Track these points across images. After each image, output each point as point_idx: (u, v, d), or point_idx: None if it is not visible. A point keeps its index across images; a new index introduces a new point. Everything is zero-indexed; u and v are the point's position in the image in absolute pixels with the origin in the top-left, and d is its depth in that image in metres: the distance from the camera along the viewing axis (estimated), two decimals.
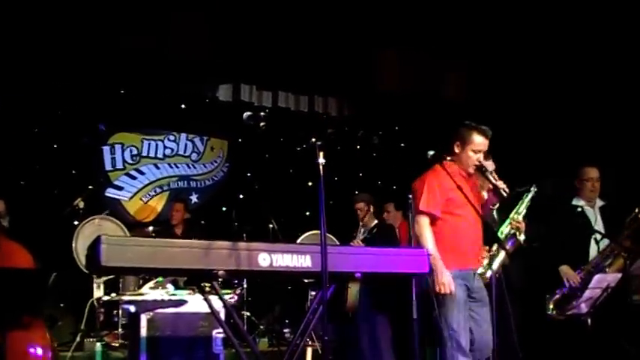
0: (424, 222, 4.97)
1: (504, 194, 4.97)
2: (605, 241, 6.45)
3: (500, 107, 8.60)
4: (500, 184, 4.95)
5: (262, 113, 4.06)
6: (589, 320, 6.31)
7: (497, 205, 5.41)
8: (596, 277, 6.22)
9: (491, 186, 5.06)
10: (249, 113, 4.06)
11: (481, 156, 5.05)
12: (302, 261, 4.00)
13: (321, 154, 3.74)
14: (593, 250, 6.40)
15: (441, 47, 9.18)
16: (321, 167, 3.73)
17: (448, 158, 5.10)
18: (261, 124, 4.03)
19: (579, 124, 8.33)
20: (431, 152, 5.05)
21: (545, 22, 8.35)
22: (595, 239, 6.34)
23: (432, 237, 4.94)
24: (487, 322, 4.95)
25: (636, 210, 6.74)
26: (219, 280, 3.92)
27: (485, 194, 5.36)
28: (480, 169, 5.01)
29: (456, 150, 5.09)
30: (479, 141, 5.03)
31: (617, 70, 8.32)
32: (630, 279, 6.45)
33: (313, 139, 3.77)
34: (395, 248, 4.93)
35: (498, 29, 8.64)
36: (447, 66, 9.40)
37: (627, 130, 8.23)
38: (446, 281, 4.79)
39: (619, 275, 6.37)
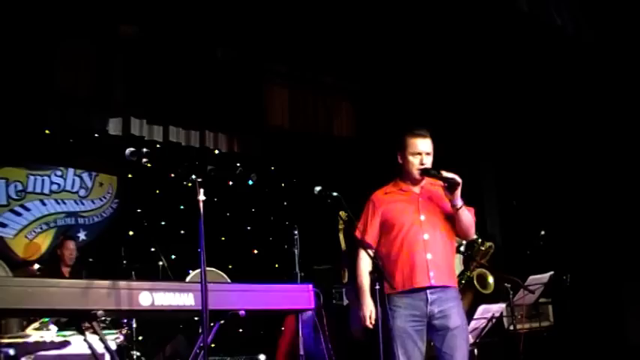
0: (360, 253, 4.90)
1: (458, 182, 4.68)
2: None
3: (388, 143, 8.74)
4: (449, 174, 4.73)
5: (145, 149, 3.95)
6: (475, 350, 6.48)
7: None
8: (481, 307, 6.41)
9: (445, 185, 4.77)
10: (131, 149, 3.97)
11: (425, 158, 4.86)
12: (185, 299, 3.96)
13: (202, 190, 3.73)
14: None
15: (329, 84, 9.33)
16: (201, 204, 3.71)
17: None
18: (144, 160, 3.96)
19: (463, 160, 8.56)
20: (317, 188, 5.06)
21: (430, 60, 8.63)
22: None
23: (362, 267, 4.86)
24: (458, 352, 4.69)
25: (479, 240, 6.98)
26: (105, 320, 3.83)
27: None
28: (427, 172, 4.82)
29: (400, 161, 4.96)
30: (413, 143, 4.88)
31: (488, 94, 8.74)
32: (514, 309, 6.69)
33: (193, 176, 3.75)
34: (280, 285, 4.85)
35: (385, 67, 8.86)
36: (336, 103, 9.52)
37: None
38: (364, 314, 4.75)
39: (503, 305, 6.61)
